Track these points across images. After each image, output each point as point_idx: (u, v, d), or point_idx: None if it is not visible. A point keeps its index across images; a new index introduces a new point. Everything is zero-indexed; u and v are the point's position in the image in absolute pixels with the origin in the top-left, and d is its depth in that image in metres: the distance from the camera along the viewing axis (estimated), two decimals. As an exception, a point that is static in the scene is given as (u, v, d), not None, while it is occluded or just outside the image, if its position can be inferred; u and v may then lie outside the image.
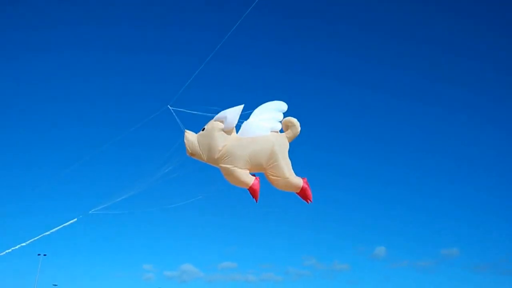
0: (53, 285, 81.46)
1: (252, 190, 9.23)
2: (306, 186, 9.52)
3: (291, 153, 9.81)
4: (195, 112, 9.68)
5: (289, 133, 9.76)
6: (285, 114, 10.16)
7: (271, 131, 9.62)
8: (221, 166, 9.16)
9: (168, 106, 9.55)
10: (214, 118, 9.26)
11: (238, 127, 9.75)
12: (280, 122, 9.81)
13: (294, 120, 9.79)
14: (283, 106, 10.07)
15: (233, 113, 9.12)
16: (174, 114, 9.50)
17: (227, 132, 9.20)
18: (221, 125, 9.15)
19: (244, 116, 9.79)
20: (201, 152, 9.15)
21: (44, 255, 72.47)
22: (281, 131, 9.89)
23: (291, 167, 9.56)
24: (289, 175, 9.40)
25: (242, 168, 9.15)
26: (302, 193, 9.56)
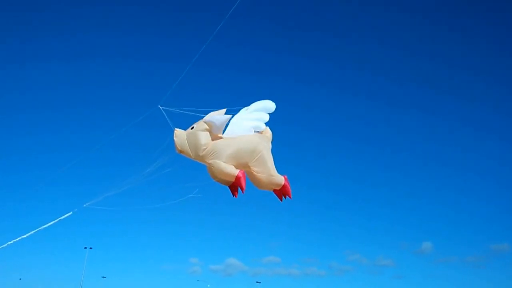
0: (102, 277, 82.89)
1: (237, 179, 9.52)
2: (287, 184, 10.06)
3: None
4: (185, 111, 10.20)
5: (268, 135, 10.41)
6: (273, 113, 10.69)
7: (255, 131, 10.15)
8: (207, 163, 9.64)
9: (159, 106, 10.08)
10: (203, 119, 9.73)
11: (225, 128, 10.27)
12: (264, 122, 10.31)
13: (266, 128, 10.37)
14: (270, 105, 10.52)
15: (221, 122, 9.63)
16: (164, 113, 10.03)
17: (215, 135, 9.71)
18: (208, 127, 9.64)
19: (231, 112, 10.19)
20: (189, 150, 9.66)
21: (90, 248, 74.47)
22: None
23: (273, 163, 10.06)
24: (272, 172, 9.92)
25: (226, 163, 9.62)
26: (283, 189, 10.07)
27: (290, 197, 10.25)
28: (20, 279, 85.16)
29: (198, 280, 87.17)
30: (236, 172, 9.52)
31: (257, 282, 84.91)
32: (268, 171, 9.87)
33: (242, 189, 9.55)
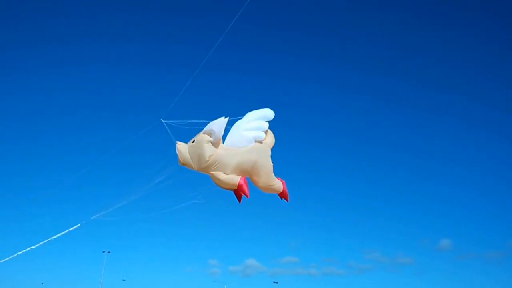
0: (122, 280, 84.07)
1: (239, 186, 9.98)
2: (286, 190, 10.75)
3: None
4: (186, 125, 10.44)
5: (267, 142, 10.71)
6: (272, 121, 10.93)
7: (256, 141, 10.39)
8: (210, 173, 9.96)
9: (161, 119, 10.32)
10: (203, 131, 9.98)
11: (225, 134, 10.53)
12: (264, 131, 10.57)
13: (268, 131, 10.74)
14: (269, 113, 10.78)
15: (219, 126, 9.84)
16: (166, 127, 10.28)
17: (215, 142, 9.94)
18: (209, 138, 9.88)
19: (232, 122, 10.48)
20: (191, 162, 9.93)
21: (108, 252, 75.79)
22: None
23: (272, 172, 10.54)
24: (271, 181, 10.45)
25: (229, 174, 9.97)
26: (281, 194, 10.78)
27: (287, 201, 10.97)
28: (42, 283, 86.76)
29: (215, 281, 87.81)
30: (237, 180, 9.93)
31: (274, 282, 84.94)
32: (267, 181, 10.40)
33: (246, 195, 9.99)
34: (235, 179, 9.98)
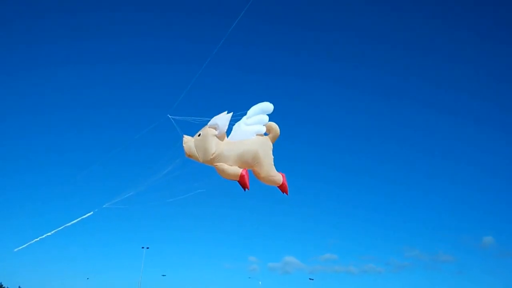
0: (162, 275, 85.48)
1: (241, 177, 10.67)
2: (285, 182, 11.31)
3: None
4: (193, 119, 11.18)
5: (270, 136, 11.37)
6: (272, 113, 11.60)
7: (257, 134, 11.09)
8: (215, 165, 10.71)
9: (168, 115, 11.06)
10: (208, 125, 10.72)
11: (229, 129, 11.27)
12: (264, 124, 11.22)
13: (273, 125, 11.36)
14: (268, 107, 11.38)
15: (223, 121, 10.61)
16: (173, 122, 11.02)
17: (220, 136, 10.69)
18: (214, 131, 10.62)
19: (235, 118, 11.16)
20: (197, 155, 10.71)
21: (147, 247, 77.27)
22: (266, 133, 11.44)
23: (273, 165, 11.16)
24: (271, 173, 11.06)
25: (231, 166, 10.70)
26: (281, 187, 11.34)
27: (286, 194, 11.55)
28: (87, 278, 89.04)
29: (249, 278, 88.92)
30: (239, 172, 10.65)
31: (310, 279, 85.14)
32: (268, 173, 11.04)
33: (246, 186, 10.64)
34: (238, 170, 10.70)
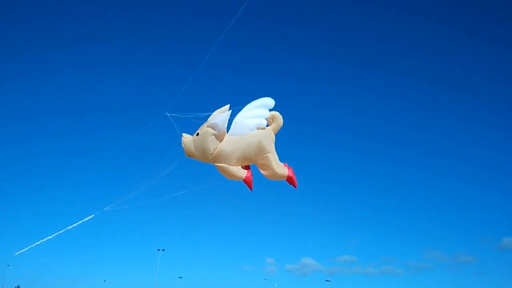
0: (179, 277, 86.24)
1: (246, 181, 10.49)
2: (292, 175, 10.70)
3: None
4: (192, 116, 10.82)
5: (273, 126, 10.87)
6: (273, 109, 11.22)
7: (258, 128, 10.63)
8: (216, 165, 10.38)
9: (166, 113, 10.71)
10: (207, 123, 10.34)
11: (228, 125, 10.87)
12: (265, 118, 10.75)
13: (276, 114, 10.90)
14: (269, 102, 10.95)
15: (222, 120, 10.22)
16: (171, 120, 10.67)
17: (219, 135, 10.31)
18: (213, 131, 10.24)
19: (234, 113, 10.77)
20: (196, 154, 10.37)
21: (163, 250, 77.97)
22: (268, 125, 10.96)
23: (277, 158, 10.66)
24: (275, 167, 10.53)
25: (234, 165, 10.38)
26: (288, 180, 10.74)
27: (295, 187, 10.94)
28: (104, 280, 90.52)
29: (265, 279, 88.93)
30: (243, 175, 10.39)
31: (326, 280, 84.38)
32: (271, 166, 10.50)
33: (250, 188, 10.38)
34: (241, 172, 10.42)
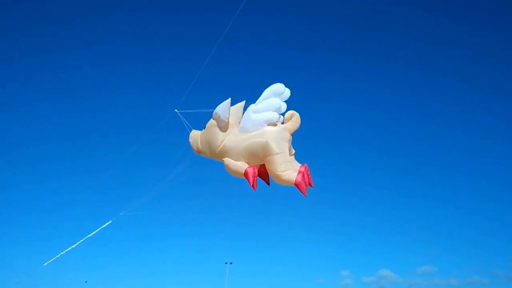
0: None
1: (245, 174, 9.25)
2: (300, 181, 9.06)
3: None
4: (204, 111, 10.27)
5: (289, 124, 9.59)
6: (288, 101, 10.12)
7: (269, 123, 9.45)
8: (222, 160, 9.66)
9: (175, 110, 10.31)
10: (212, 117, 9.80)
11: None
12: (276, 109, 9.56)
13: (295, 113, 9.66)
14: (278, 88, 9.65)
15: (222, 109, 9.47)
16: (181, 116, 10.24)
17: (224, 126, 9.61)
18: (216, 122, 9.67)
19: (246, 106, 9.85)
20: (203, 148, 9.77)
21: (231, 263, 79.02)
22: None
23: (287, 160, 9.26)
24: (280, 172, 9.11)
25: (237, 161, 9.39)
26: (298, 187, 9.11)
27: (304, 195, 9.18)
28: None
29: None
30: (243, 169, 9.26)
31: None
32: (275, 169, 9.17)
33: (250, 185, 9.18)
34: (242, 167, 9.29)
